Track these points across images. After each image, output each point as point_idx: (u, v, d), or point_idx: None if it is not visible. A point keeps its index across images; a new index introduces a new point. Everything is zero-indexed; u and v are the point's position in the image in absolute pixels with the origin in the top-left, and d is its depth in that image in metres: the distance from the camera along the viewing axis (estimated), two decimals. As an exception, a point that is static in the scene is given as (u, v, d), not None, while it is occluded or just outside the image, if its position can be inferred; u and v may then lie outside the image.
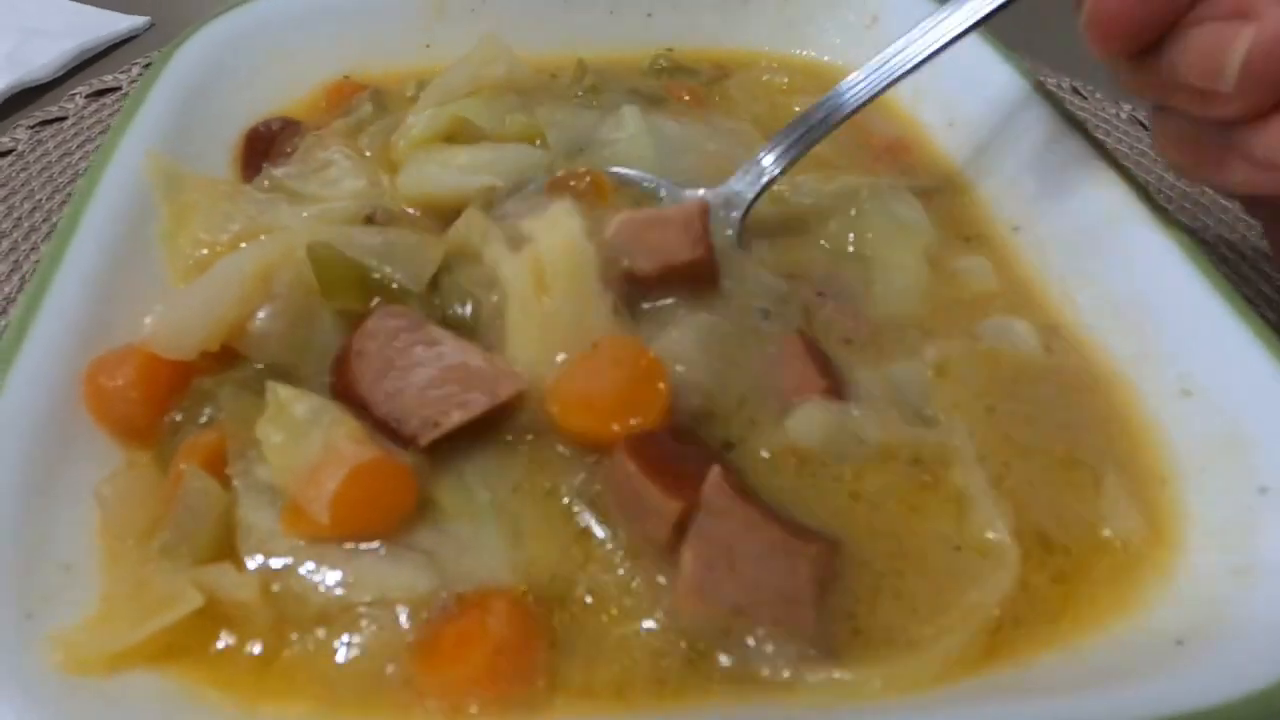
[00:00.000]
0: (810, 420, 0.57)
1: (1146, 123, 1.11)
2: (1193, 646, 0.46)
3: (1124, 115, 1.13)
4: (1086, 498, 0.56)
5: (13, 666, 0.43)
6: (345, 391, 0.56)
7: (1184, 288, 0.61)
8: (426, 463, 0.54)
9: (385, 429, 0.54)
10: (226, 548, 0.51)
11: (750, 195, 0.73)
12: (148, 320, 0.56)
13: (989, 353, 0.64)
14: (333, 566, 0.50)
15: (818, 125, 0.73)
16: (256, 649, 0.48)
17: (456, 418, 0.54)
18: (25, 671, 0.44)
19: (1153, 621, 0.49)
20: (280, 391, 0.54)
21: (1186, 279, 0.61)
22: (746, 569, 0.49)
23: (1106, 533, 0.54)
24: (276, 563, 0.50)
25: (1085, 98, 1.15)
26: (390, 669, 0.48)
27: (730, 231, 0.71)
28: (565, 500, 0.54)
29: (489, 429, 0.56)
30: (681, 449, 0.54)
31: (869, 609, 0.50)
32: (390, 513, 0.51)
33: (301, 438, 0.51)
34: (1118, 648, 0.48)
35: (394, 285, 0.62)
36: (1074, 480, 0.57)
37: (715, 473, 0.52)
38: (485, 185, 0.74)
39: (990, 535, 0.53)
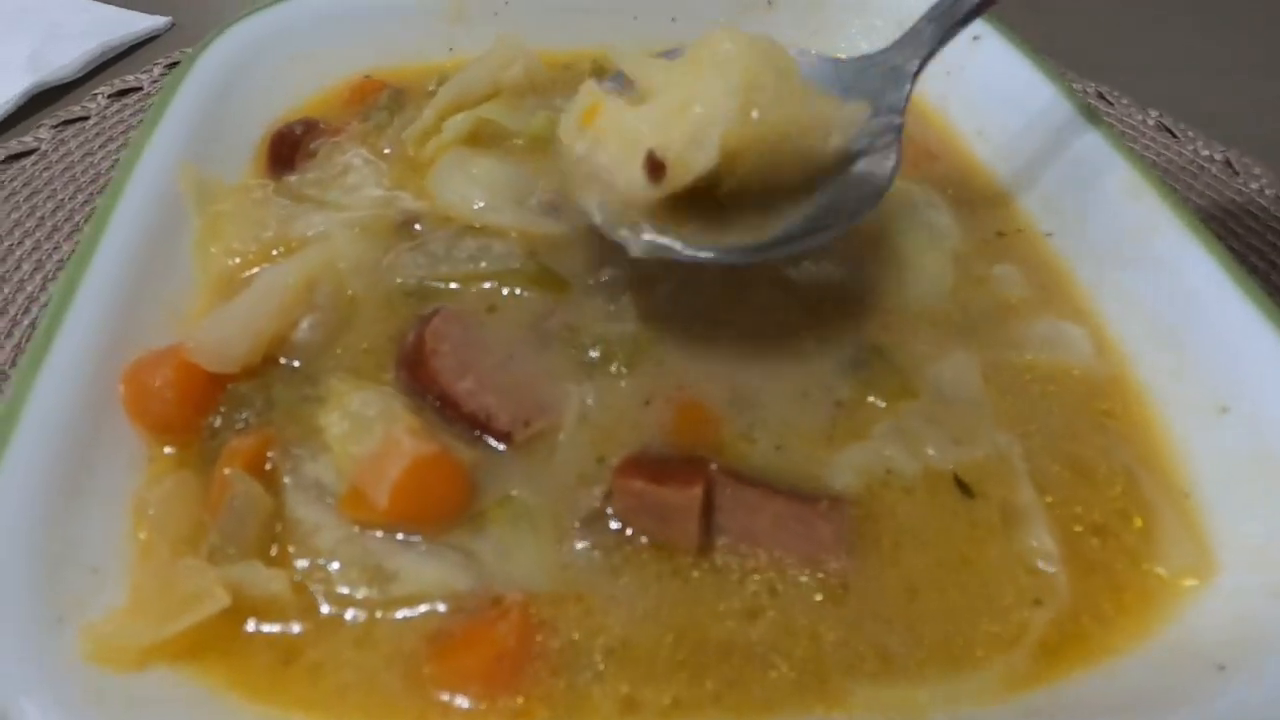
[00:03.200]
0: (848, 469, 0.57)
1: (1174, 129, 1.10)
2: (1235, 671, 0.45)
3: (1151, 121, 1.12)
4: (1128, 518, 0.55)
5: (43, 669, 0.43)
6: (426, 387, 0.59)
7: (1221, 300, 0.60)
8: (489, 461, 0.56)
9: (475, 422, 0.58)
10: (270, 550, 0.52)
11: (913, 67, 0.67)
12: (192, 334, 0.58)
13: (1030, 363, 0.63)
14: (378, 560, 0.52)
15: None
16: (284, 646, 0.49)
17: (544, 419, 0.58)
18: (55, 674, 0.43)
19: (1192, 644, 0.48)
20: (338, 385, 0.57)
21: (1222, 291, 0.60)
22: (770, 543, 0.53)
23: (1160, 571, 0.53)
24: (321, 557, 0.52)
25: (1111, 104, 1.14)
26: (410, 663, 0.49)
27: (897, 121, 0.64)
28: (605, 510, 0.55)
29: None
30: (668, 459, 0.57)
31: (918, 627, 0.50)
32: (444, 506, 0.53)
33: (363, 428, 0.54)
34: (1158, 671, 0.47)
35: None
36: (1113, 498, 0.56)
37: (714, 467, 0.55)
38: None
39: (1039, 558, 0.52)
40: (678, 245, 0.60)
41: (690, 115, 0.57)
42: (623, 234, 0.60)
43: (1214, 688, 0.45)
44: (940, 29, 0.68)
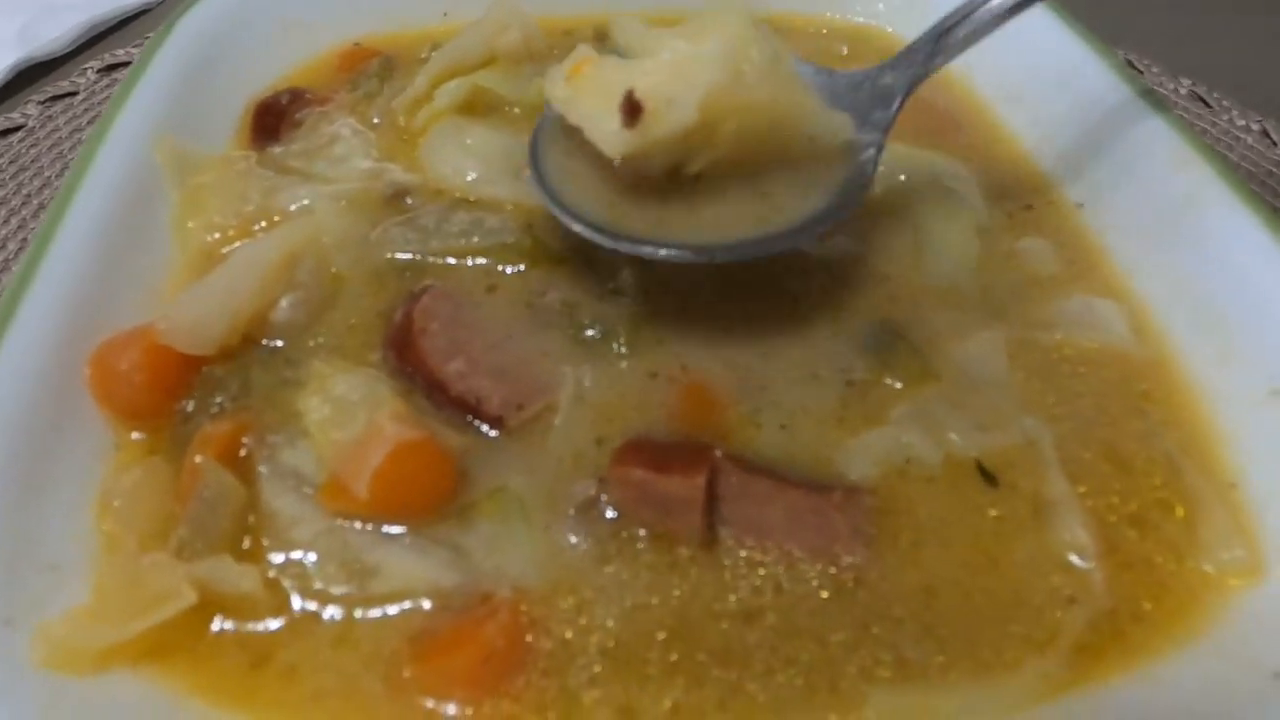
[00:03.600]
0: (865, 457, 0.53)
1: (1207, 98, 1.04)
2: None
3: (1183, 90, 1.06)
4: (1169, 508, 0.51)
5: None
6: (414, 369, 0.56)
7: (1275, 279, 0.55)
8: (479, 448, 0.53)
9: (465, 406, 0.54)
10: (242, 544, 0.49)
11: (903, 87, 0.64)
12: (164, 314, 0.54)
13: (1061, 343, 0.59)
14: (358, 554, 0.49)
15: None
16: (255, 646, 0.46)
17: (539, 402, 0.55)
18: (3, 682, 0.40)
19: (1243, 648, 0.44)
20: (320, 368, 0.54)
21: (1277, 269, 0.55)
22: (781, 537, 0.49)
23: (1206, 568, 0.49)
24: (298, 550, 0.49)
25: (1141, 72, 1.09)
26: (392, 665, 0.46)
27: (871, 152, 0.61)
28: (600, 499, 0.51)
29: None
30: (670, 445, 0.53)
31: (939, 628, 0.46)
32: (429, 497, 0.50)
33: (346, 413, 0.51)
34: (1206, 677, 0.43)
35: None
36: (1152, 488, 0.52)
37: (719, 455, 0.51)
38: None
39: (1072, 553, 0.48)
40: (624, 241, 0.58)
41: (676, 70, 0.55)
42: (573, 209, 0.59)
43: (1269, 696, 0.40)
44: (935, 51, 0.65)
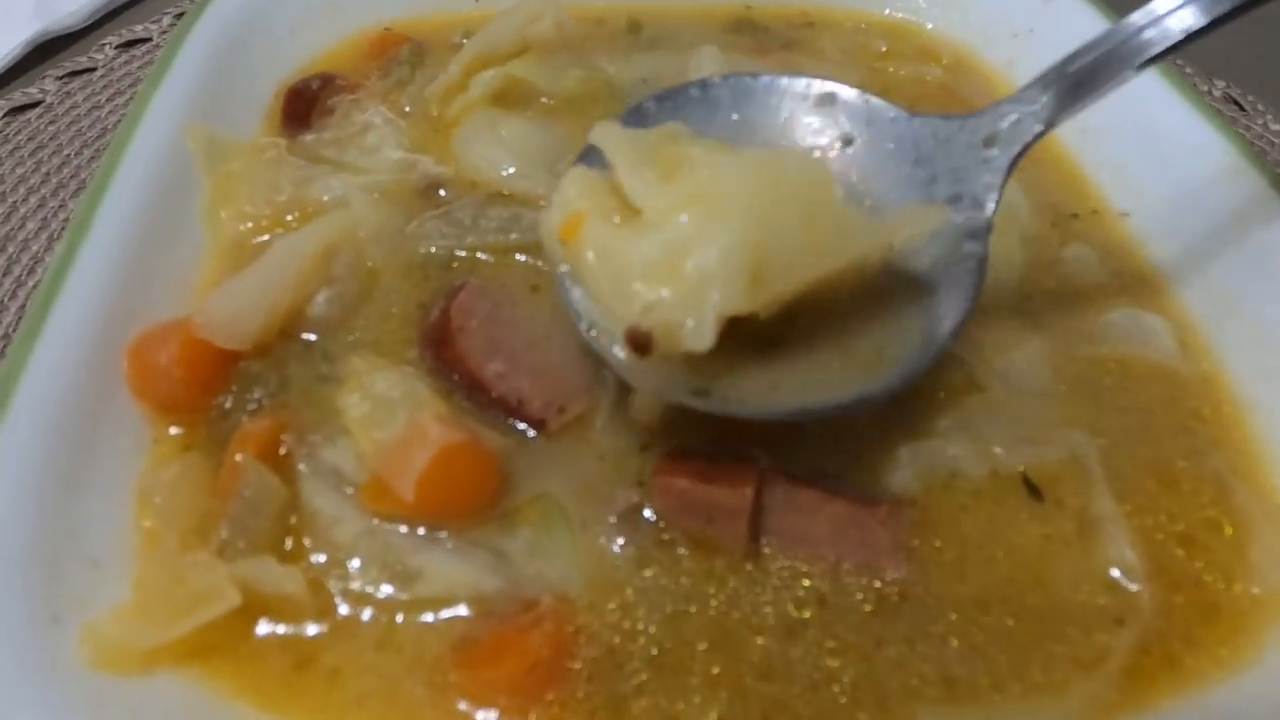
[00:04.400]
0: (909, 469, 0.53)
1: (1242, 101, 1.03)
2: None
3: (1217, 93, 1.05)
4: (1217, 528, 0.50)
5: (37, 675, 0.40)
6: (453, 367, 0.55)
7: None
8: (520, 450, 0.52)
9: (505, 407, 0.53)
10: (284, 544, 0.49)
11: (1011, 153, 0.52)
12: (202, 308, 0.54)
13: (1106, 356, 0.58)
14: (401, 557, 0.48)
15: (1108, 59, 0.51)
16: (298, 649, 0.46)
17: (580, 405, 0.54)
18: (51, 680, 0.40)
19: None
20: (358, 364, 0.53)
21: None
22: (825, 549, 0.49)
23: (1256, 590, 0.48)
24: (340, 552, 0.48)
25: (1177, 73, 1.07)
26: (435, 671, 0.45)
27: (990, 206, 0.50)
28: (643, 506, 0.51)
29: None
30: (712, 454, 0.52)
31: (987, 647, 0.46)
32: (473, 500, 0.50)
33: (386, 412, 0.50)
34: (1259, 703, 0.42)
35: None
36: (1200, 506, 0.52)
37: (765, 464, 0.50)
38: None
39: (1120, 573, 0.48)
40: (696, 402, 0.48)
41: (682, 282, 0.44)
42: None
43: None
44: (1059, 98, 0.52)
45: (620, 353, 0.47)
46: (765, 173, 0.45)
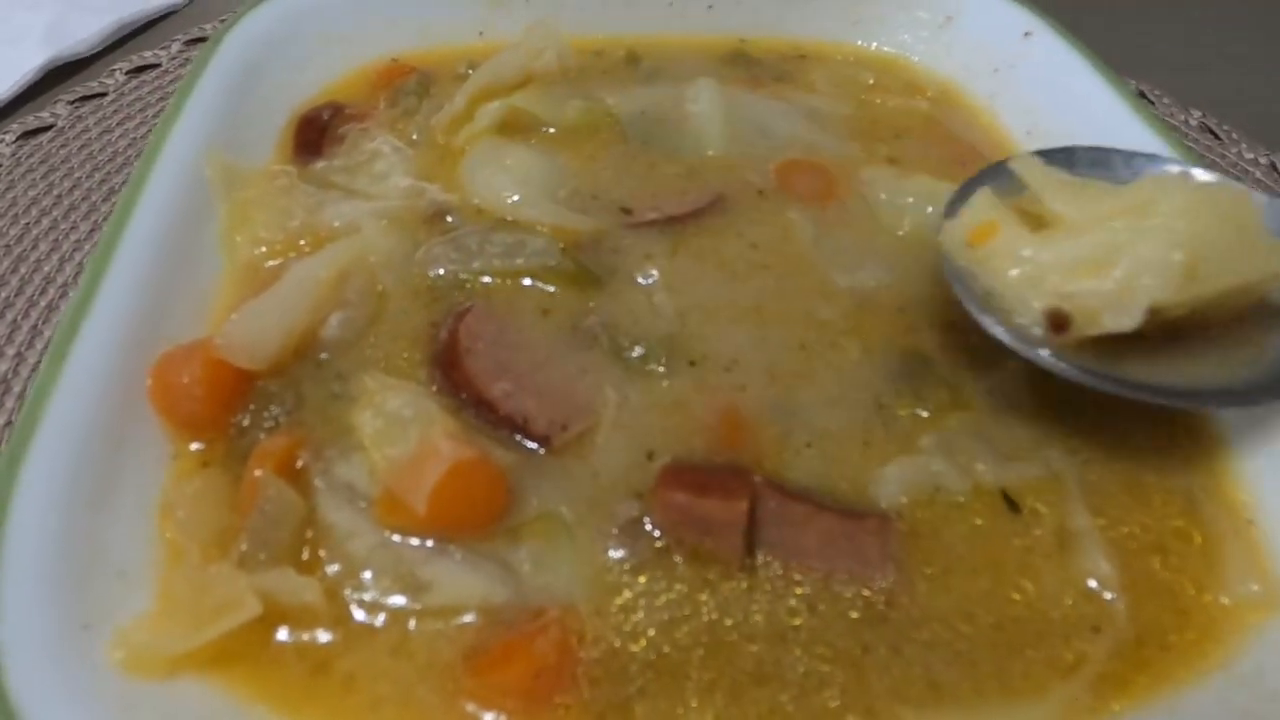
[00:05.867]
0: (895, 484, 0.55)
1: (1217, 130, 1.07)
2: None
3: (1193, 122, 1.09)
4: (1187, 537, 0.53)
5: (71, 679, 0.42)
6: (462, 387, 0.57)
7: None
8: (526, 466, 0.54)
9: (512, 425, 0.56)
10: (301, 555, 0.51)
11: None
12: (223, 330, 0.56)
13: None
14: (412, 568, 0.50)
15: None
16: (315, 656, 0.48)
17: (583, 423, 0.56)
18: (84, 684, 0.42)
19: (1264, 679, 0.46)
20: (371, 382, 0.56)
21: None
22: (817, 560, 0.52)
23: (1225, 600, 0.51)
24: (354, 564, 0.50)
25: (1153, 103, 1.11)
26: (446, 676, 0.47)
27: None
28: (643, 519, 0.53)
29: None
30: (710, 469, 0.55)
31: (970, 653, 0.49)
32: (482, 514, 0.52)
33: (398, 429, 0.52)
34: (1227, 706, 0.45)
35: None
36: (1170, 516, 0.54)
37: (759, 479, 0.54)
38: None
39: (1096, 583, 0.50)
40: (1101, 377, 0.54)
41: (1114, 273, 0.52)
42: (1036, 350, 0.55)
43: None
44: None
45: (1036, 331, 0.55)
46: (1202, 190, 0.55)
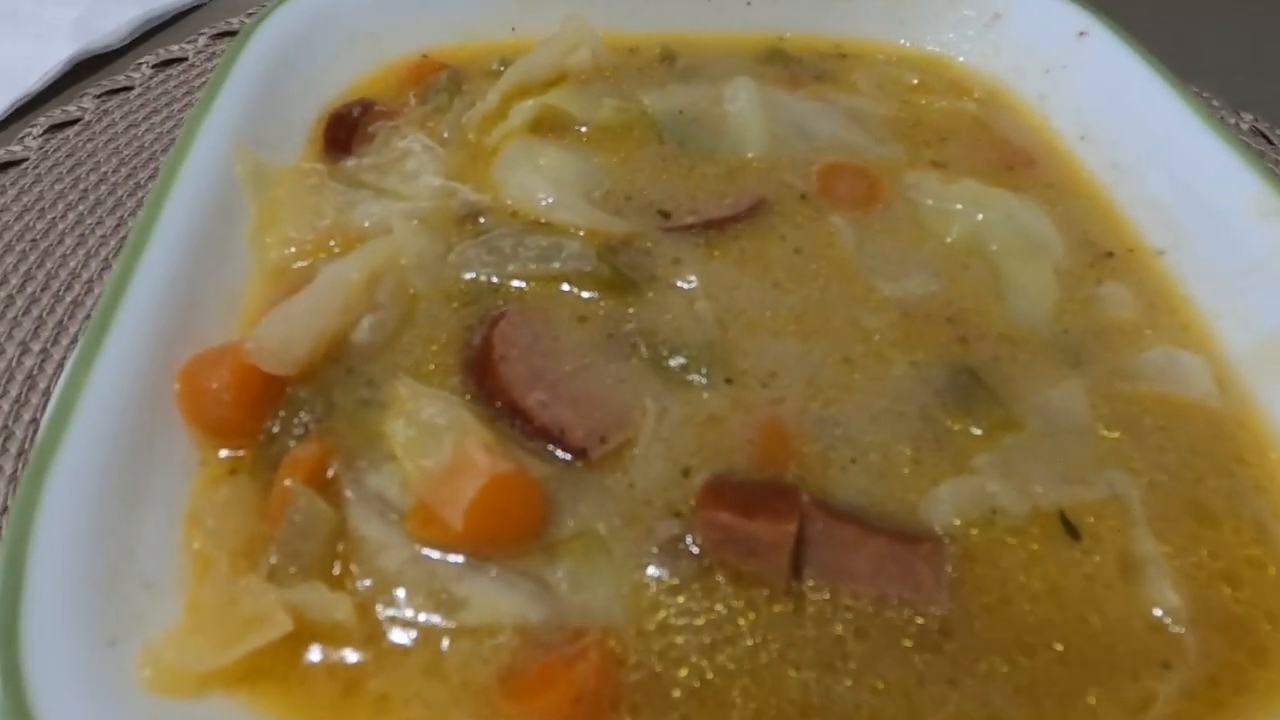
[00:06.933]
0: (949, 505, 0.53)
1: (1270, 135, 1.04)
2: None
3: (1245, 126, 1.05)
4: (1260, 567, 0.50)
5: (97, 697, 0.40)
6: (495, 396, 0.56)
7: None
8: (563, 479, 0.53)
9: (548, 436, 0.54)
10: (332, 569, 0.49)
11: None
12: (254, 334, 0.54)
13: (1144, 394, 0.58)
14: (446, 585, 0.48)
15: None
16: (346, 675, 0.46)
17: (621, 435, 0.54)
18: (110, 703, 0.40)
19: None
20: (403, 389, 0.54)
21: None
22: (867, 585, 0.49)
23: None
24: (387, 579, 0.49)
25: (1203, 106, 1.08)
26: (482, 698, 0.46)
27: None
28: (684, 537, 0.51)
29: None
30: (755, 487, 0.53)
31: (1031, 688, 0.46)
32: (520, 530, 0.50)
33: (432, 438, 0.51)
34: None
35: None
36: (1241, 545, 0.52)
37: (806, 499, 0.51)
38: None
39: (1164, 615, 0.48)
40: None
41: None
42: None
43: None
44: None
45: None
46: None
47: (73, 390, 0.48)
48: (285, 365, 0.54)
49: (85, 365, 0.49)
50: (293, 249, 0.65)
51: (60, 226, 0.94)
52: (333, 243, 0.66)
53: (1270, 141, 1.03)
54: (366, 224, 0.68)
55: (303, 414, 0.54)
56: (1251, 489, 0.55)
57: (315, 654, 0.46)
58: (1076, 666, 0.47)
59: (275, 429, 0.54)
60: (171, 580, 0.47)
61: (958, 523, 0.52)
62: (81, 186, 0.98)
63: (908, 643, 0.48)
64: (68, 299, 0.86)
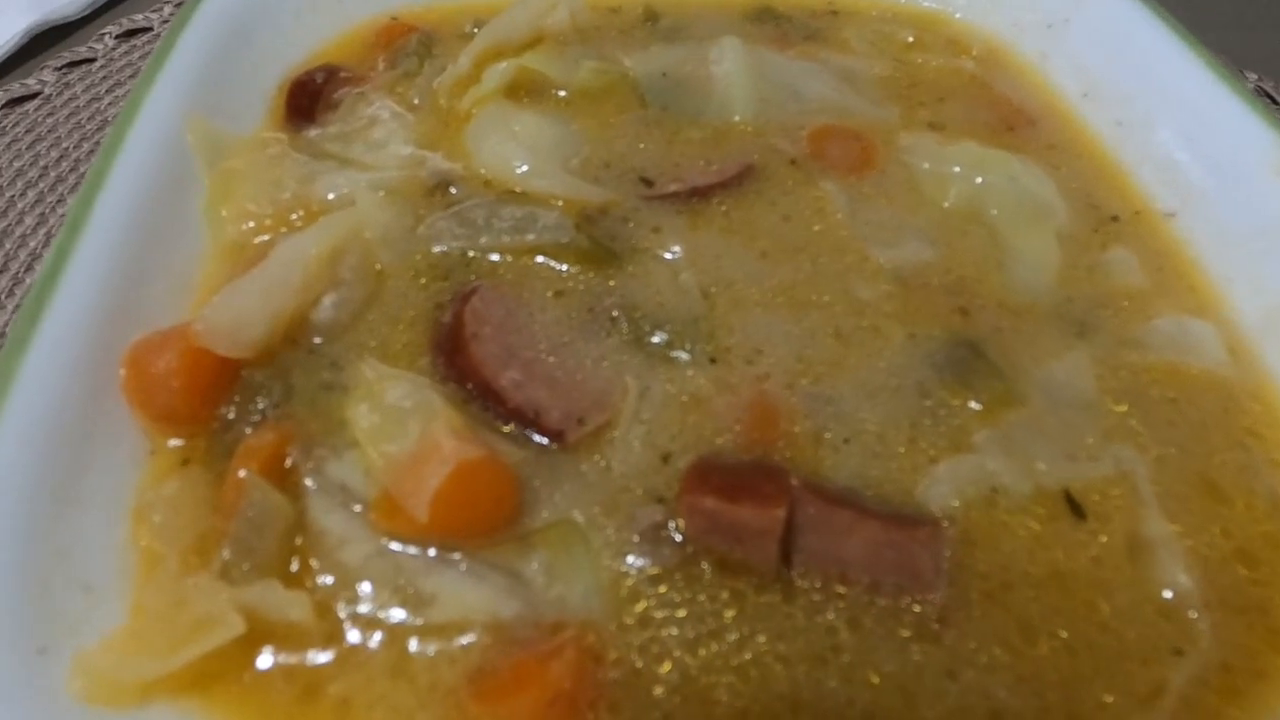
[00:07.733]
0: (947, 485, 0.50)
1: (1275, 95, 1.00)
2: None
3: (1250, 86, 1.01)
4: (1278, 550, 0.47)
5: (22, 711, 0.37)
6: (467, 376, 0.53)
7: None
8: (538, 463, 0.50)
9: (522, 418, 0.51)
10: (290, 566, 0.46)
11: None
12: (202, 314, 0.51)
13: (1153, 365, 0.55)
14: (413, 580, 0.45)
15: None
16: (305, 678, 0.43)
17: (601, 416, 0.51)
18: (35, 716, 0.37)
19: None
20: (368, 371, 0.51)
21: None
22: (860, 572, 0.47)
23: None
24: (348, 575, 0.46)
25: (1209, 65, 1.03)
26: (451, 701, 0.43)
27: None
28: (667, 524, 0.48)
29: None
30: (742, 469, 0.50)
31: (1034, 678, 0.43)
32: (491, 519, 0.47)
33: (397, 423, 0.48)
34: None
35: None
36: (1259, 524, 0.49)
37: (796, 482, 0.48)
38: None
39: (1175, 598, 0.45)
40: None
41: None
42: None
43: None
44: None
45: None
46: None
47: (4, 376, 0.45)
48: (238, 347, 0.50)
49: (17, 351, 0.46)
50: (251, 223, 0.62)
51: (20, 205, 0.90)
52: (295, 216, 0.63)
53: (1276, 101, 0.99)
54: (331, 196, 0.64)
55: (259, 399, 0.51)
56: (1265, 463, 0.52)
57: (271, 657, 0.43)
58: (1083, 655, 0.44)
59: (230, 415, 0.51)
60: (115, 581, 0.44)
61: (957, 504, 0.49)
62: (42, 163, 0.94)
63: (904, 632, 0.45)
64: (27, 280, 0.83)
